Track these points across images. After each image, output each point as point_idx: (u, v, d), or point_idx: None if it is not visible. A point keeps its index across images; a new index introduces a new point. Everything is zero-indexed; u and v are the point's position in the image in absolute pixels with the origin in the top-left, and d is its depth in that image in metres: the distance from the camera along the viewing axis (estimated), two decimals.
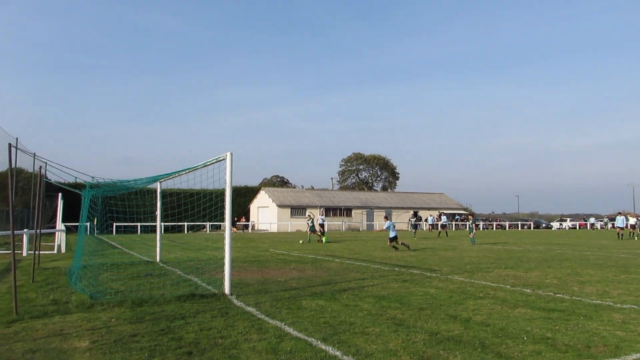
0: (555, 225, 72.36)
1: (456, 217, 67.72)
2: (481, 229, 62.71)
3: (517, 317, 7.58)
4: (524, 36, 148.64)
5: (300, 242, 29.22)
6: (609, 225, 60.27)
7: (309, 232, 30.01)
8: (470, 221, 28.89)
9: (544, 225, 73.21)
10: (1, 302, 8.95)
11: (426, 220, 53.10)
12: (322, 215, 33.82)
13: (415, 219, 39.20)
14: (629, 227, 35.40)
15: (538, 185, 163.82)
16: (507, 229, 67.83)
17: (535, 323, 7.19)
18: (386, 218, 23.18)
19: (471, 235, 27.51)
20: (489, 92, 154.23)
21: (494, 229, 67.09)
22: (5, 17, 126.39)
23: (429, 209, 67.55)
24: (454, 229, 61.06)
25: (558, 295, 9.69)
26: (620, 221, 34.88)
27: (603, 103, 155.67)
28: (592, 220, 71.91)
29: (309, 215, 31.65)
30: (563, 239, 35.80)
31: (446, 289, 10.40)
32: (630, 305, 8.58)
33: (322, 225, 31.81)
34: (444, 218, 40.15)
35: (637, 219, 37.02)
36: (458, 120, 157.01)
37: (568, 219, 74.59)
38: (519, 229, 68.25)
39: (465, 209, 72.32)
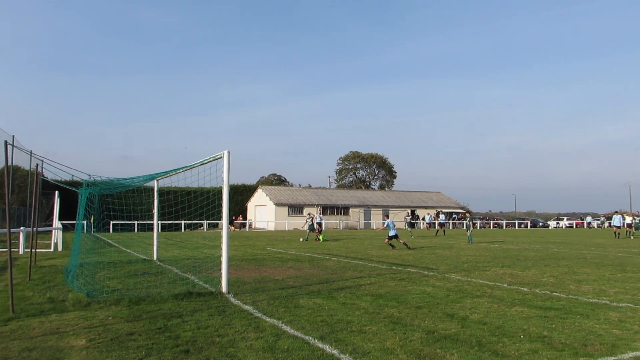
0: (552, 224, 72.52)
1: (453, 216, 67.81)
2: (478, 227, 62.83)
3: (514, 316, 7.60)
4: (520, 36, 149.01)
5: (301, 239, 29.28)
6: (606, 224, 60.36)
7: (308, 231, 30.12)
8: (467, 220, 28.97)
9: (540, 224, 73.35)
10: None
11: (423, 218, 53.00)
12: (320, 214, 33.91)
13: (411, 217, 39.12)
14: (625, 226, 35.48)
15: (535, 184, 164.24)
16: (504, 227, 67.94)
17: (532, 322, 7.21)
18: (386, 216, 23.58)
19: (468, 234, 27.61)
20: (487, 92, 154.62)
21: (491, 227, 67.21)
22: (2, 14, 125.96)
23: (426, 207, 67.59)
24: (451, 228, 61.16)
25: (555, 293, 9.71)
26: (617, 220, 34.97)
27: (600, 102, 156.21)
28: (589, 219, 72.04)
29: (309, 214, 32.03)
30: (560, 237, 35.89)
31: (443, 288, 10.42)
32: (626, 304, 8.61)
33: (319, 224, 31.87)
34: (442, 217, 39.98)
35: (634, 218, 37.14)
36: (455, 119, 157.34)
37: (565, 218, 74.64)
38: (516, 227, 68.39)
39: (462, 208, 72.42)
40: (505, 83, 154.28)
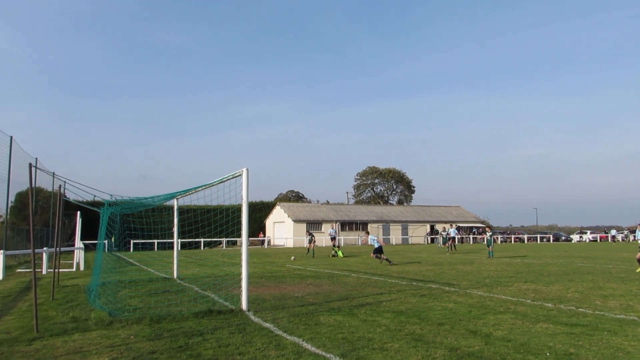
0: (575, 237, 71.19)
1: (473, 230, 67.04)
2: (499, 242, 61.97)
3: (539, 332, 7.45)
4: (538, 48, 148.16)
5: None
6: (630, 237, 59.08)
7: (308, 246, 31.18)
8: (488, 234, 28.59)
9: (563, 238, 72.07)
10: (22, 320, 9.06)
11: (440, 234, 51.99)
12: (333, 229, 33.56)
13: (446, 232, 37.60)
14: None
15: (556, 197, 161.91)
16: (525, 242, 66.93)
17: (558, 338, 7.05)
18: (367, 233, 24.76)
19: (490, 249, 27.20)
20: (506, 104, 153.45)
21: (512, 242, 66.24)
22: (23, 40, 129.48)
23: (445, 222, 66.93)
24: (471, 242, 60.42)
25: (580, 309, 9.51)
26: None
27: (622, 113, 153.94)
28: (613, 232, 70.51)
29: (308, 232, 33.59)
30: (583, 251, 35.20)
31: (465, 304, 10.27)
32: None
33: (333, 239, 31.78)
34: (452, 231, 38.80)
35: None
36: (474, 133, 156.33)
37: (588, 232, 73.28)
38: (538, 242, 67.28)
39: (482, 222, 71.61)
40: (524, 95, 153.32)
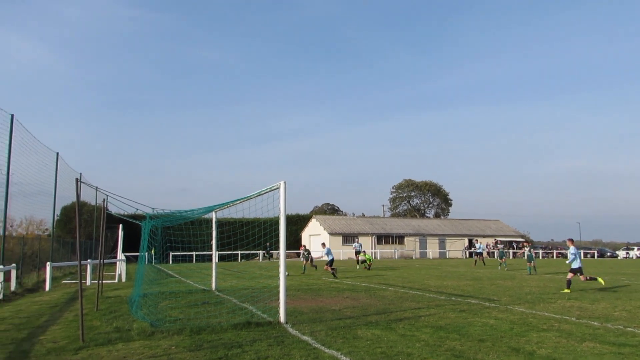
0: (621, 254, 68.46)
1: (512, 245, 65.46)
2: (540, 257, 60.28)
3: (585, 352, 7.21)
4: (578, 57, 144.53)
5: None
6: None
7: (304, 262, 28.48)
8: (528, 249, 27.73)
9: (608, 254, 69.44)
10: (68, 329, 9.35)
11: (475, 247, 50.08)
12: (357, 242, 33.76)
13: (503, 245, 36.37)
14: None
15: (601, 211, 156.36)
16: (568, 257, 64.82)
17: (605, 358, 6.81)
18: (323, 245, 26.03)
19: (530, 265, 26.31)
20: (547, 114, 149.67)
21: (554, 257, 64.31)
22: (69, 59, 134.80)
23: (484, 236, 65.73)
24: (511, 257, 58.97)
25: (629, 328, 9.15)
26: None
27: None
28: None
29: (303, 246, 31.75)
30: (630, 268, 33.88)
31: (507, 320, 10.04)
32: None
33: (357, 254, 31.50)
34: (478, 245, 37.99)
35: None
36: (513, 144, 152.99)
37: (635, 248, 70.30)
38: (582, 257, 65.09)
39: (522, 236, 69.88)
40: (566, 105, 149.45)
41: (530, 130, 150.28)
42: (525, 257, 29.44)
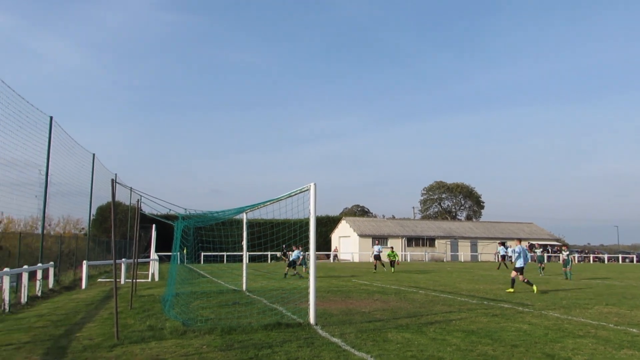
0: None
1: (547, 249, 63.96)
2: (576, 261, 58.75)
3: (624, 359, 6.99)
4: (618, 58, 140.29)
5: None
6: None
7: (287, 268, 25.26)
8: (564, 253, 26.92)
9: None
10: (103, 327, 9.57)
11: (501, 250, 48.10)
12: (378, 245, 32.61)
13: (542, 249, 34.97)
14: None
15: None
16: (605, 262, 63.01)
17: None
18: (297, 247, 25.35)
19: (566, 269, 25.39)
20: (584, 117, 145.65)
21: (591, 261, 62.59)
22: (103, 63, 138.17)
23: (517, 239, 64.43)
24: (546, 261, 57.59)
25: None
26: None
27: None
28: None
29: (283, 249, 27.79)
30: None
31: (541, 325, 9.81)
32: None
33: (377, 257, 30.48)
34: (501, 249, 37.18)
35: None
36: (547, 146, 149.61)
37: None
38: (620, 262, 63.14)
39: (557, 240, 68.24)
40: (603, 107, 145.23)
41: (566, 133, 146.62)
42: (561, 262, 28.60)
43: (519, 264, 17.10)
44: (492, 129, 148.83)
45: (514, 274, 17.17)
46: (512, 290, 16.91)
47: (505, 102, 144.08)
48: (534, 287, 16.75)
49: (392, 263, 29.29)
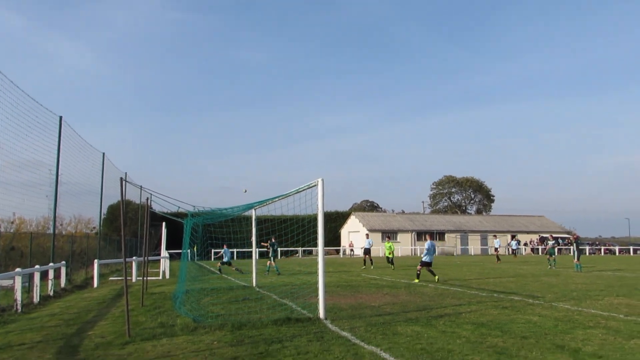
0: None
1: (557, 241, 63.55)
2: (587, 253, 58.37)
3: (634, 349, 6.97)
4: (627, 51, 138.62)
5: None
6: None
7: (269, 263, 24.17)
8: (574, 245, 26.40)
9: None
10: (115, 325, 9.67)
11: (513, 244, 48.04)
12: (369, 239, 30.79)
13: (554, 242, 34.39)
14: None
15: None
16: (616, 254, 62.54)
17: None
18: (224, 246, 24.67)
19: (575, 261, 25.11)
20: (594, 110, 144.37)
21: (602, 253, 62.15)
22: (113, 63, 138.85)
23: (527, 232, 64.19)
24: (557, 254, 57.27)
25: None
26: None
27: None
28: None
29: (268, 241, 24.12)
30: None
31: (551, 317, 9.79)
32: None
33: (367, 253, 28.57)
34: (513, 243, 37.29)
35: None
36: (557, 139, 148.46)
37: None
38: (631, 254, 62.64)
39: (568, 232, 67.78)
40: (613, 100, 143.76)
41: (576, 126, 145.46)
42: (572, 253, 28.21)
43: (426, 259, 18.54)
44: (501, 123, 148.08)
45: (419, 267, 18.48)
46: (417, 281, 18.13)
47: (515, 96, 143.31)
48: (416, 280, 18.17)
49: (390, 260, 27.47)
